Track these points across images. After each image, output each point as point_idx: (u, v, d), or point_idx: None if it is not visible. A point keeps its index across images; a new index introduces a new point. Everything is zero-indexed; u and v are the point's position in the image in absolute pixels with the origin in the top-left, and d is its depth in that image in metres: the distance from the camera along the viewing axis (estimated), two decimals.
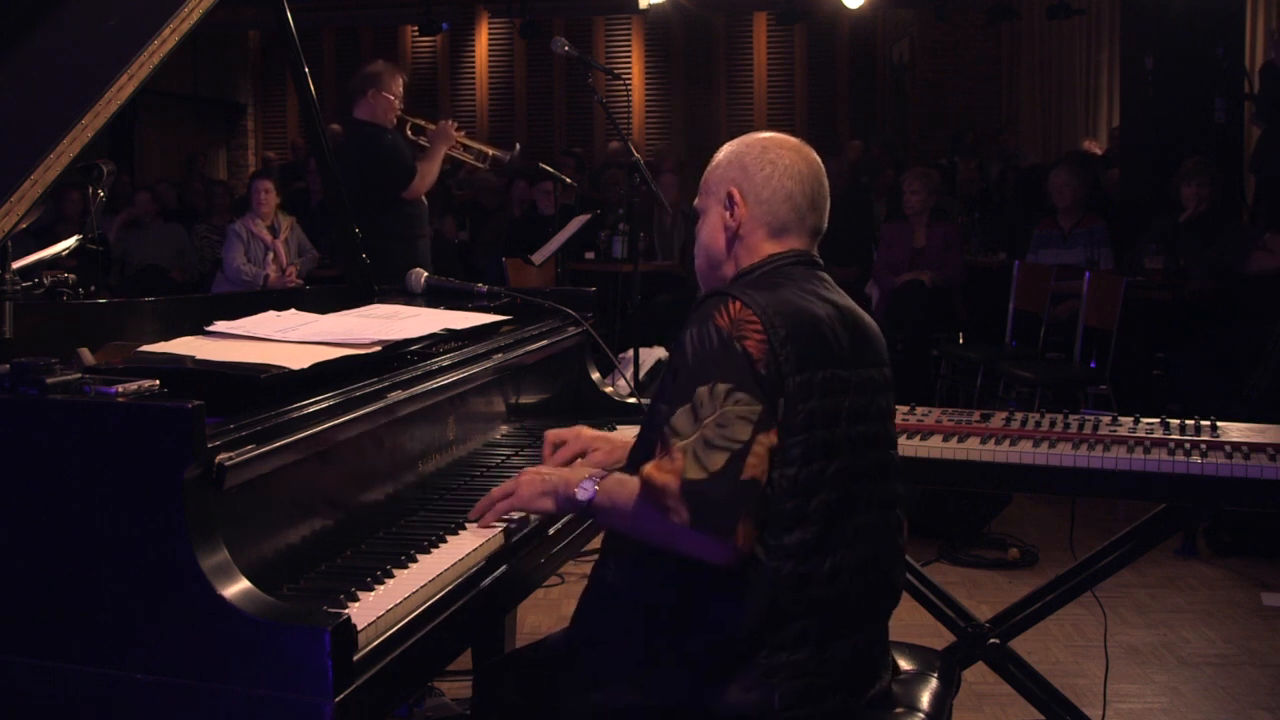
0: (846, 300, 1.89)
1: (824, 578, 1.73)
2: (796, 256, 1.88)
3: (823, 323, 1.79)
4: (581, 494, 1.83)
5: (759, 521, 1.69)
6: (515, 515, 1.97)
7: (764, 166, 1.89)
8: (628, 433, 2.42)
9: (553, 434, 2.21)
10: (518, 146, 5.89)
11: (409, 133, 5.44)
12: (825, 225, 1.94)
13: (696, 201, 1.98)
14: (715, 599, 1.72)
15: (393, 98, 5.22)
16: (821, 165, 1.94)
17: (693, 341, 1.75)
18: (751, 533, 1.68)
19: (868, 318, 1.91)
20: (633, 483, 1.76)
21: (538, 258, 6.53)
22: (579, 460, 2.19)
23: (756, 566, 1.70)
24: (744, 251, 1.90)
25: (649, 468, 1.71)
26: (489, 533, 1.91)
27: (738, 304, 1.74)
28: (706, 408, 1.69)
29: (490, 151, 5.68)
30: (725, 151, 1.95)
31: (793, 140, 1.94)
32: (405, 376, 2.02)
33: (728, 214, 1.90)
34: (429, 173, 5.25)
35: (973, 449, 2.66)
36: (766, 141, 1.92)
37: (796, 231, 1.89)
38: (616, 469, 2.21)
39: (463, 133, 5.43)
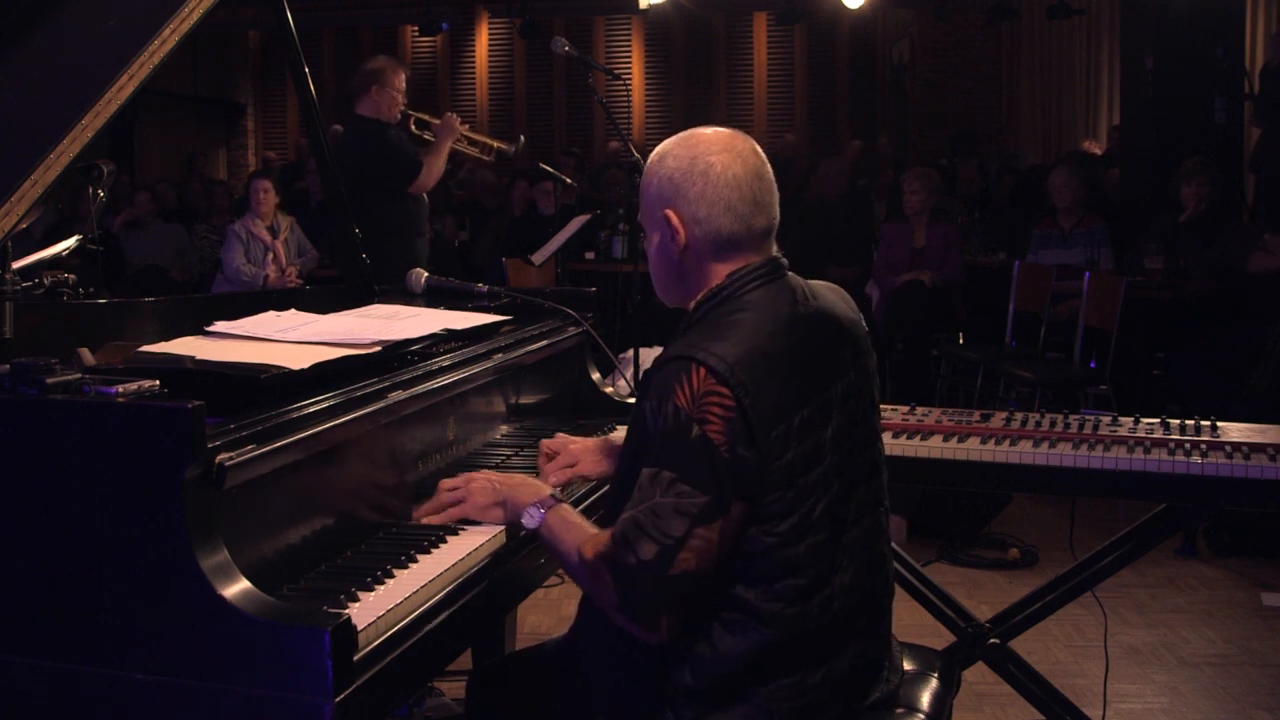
0: (817, 302, 1.78)
1: (818, 609, 1.70)
2: (758, 273, 1.75)
3: (795, 356, 1.69)
4: (528, 520, 1.82)
5: (686, 609, 1.66)
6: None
7: (695, 181, 1.72)
8: (621, 434, 2.42)
9: (545, 444, 2.20)
10: (522, 139, 5.88)
11: (413, 127, 5.44)
12: (777, 217, 1.78)
13: (639, 217, 1.84)
14: (708, 633, 1.69)
15: (396, 94, 5.22)
16: (759, 154, 1.77)
17: (650, 414, 1.64)
18: (677, 622, 1.66)
19: (841, 312, 1.81)
20: (578, 532, 1.74)
21: (538, 258, 6.54)
22: (571, 474, 2.17)
23: (750, 610, 1.67)
24: (698, 275, 1.77)
25: (589, 547, 1.69)
26: (489, 533, 1.91)
27: (702, 372, 1.61)
28: (645, 491, 1.63)
29: (495, 144, 5.68)
30: (654, 164, 1.78)
31: (722, 135, 1.76)
32: (405, 376, 2.02)
33: (669, 240, 1.76)
34: (435, 167, 5.25)
35: (973, 449, 2.66)
36: (695, 147, 1.75)
37: (746, 242, 1.75)
38: (600, 483, 2.20)
39: (466, 126, 5.43)
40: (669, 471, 1.61)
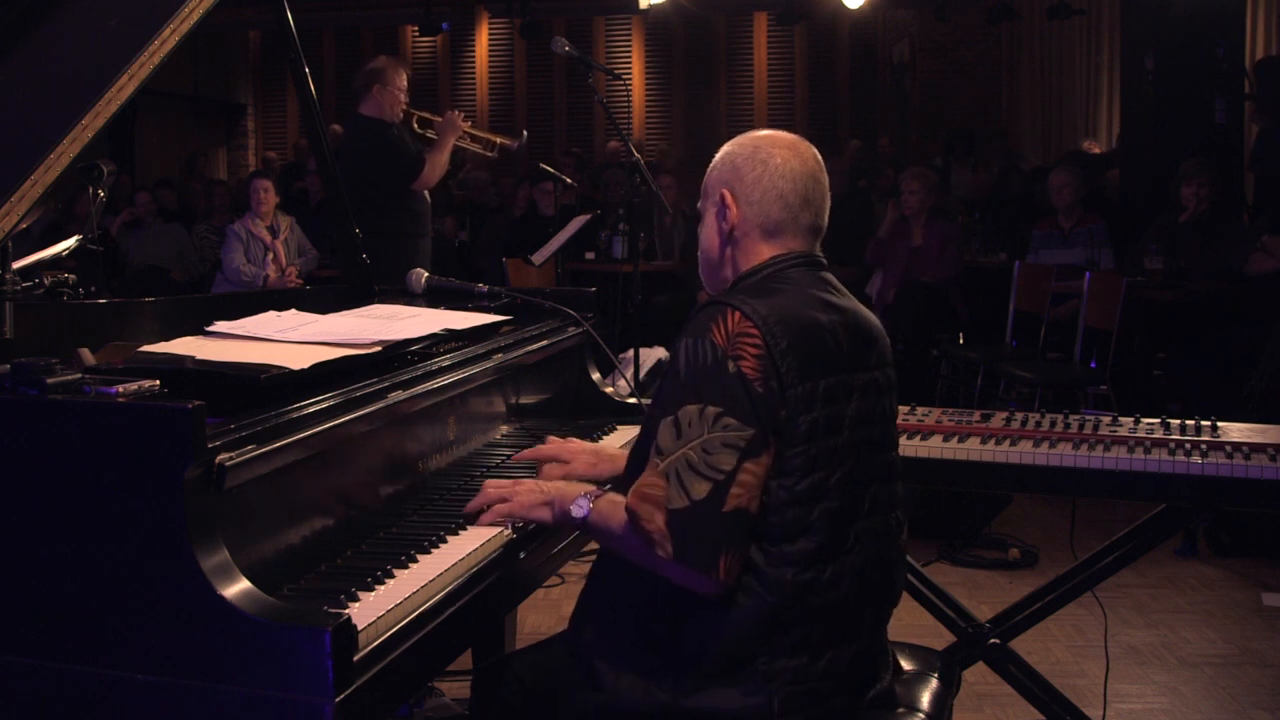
0: (849, 302, 1.87)
1: (825, 584, 1.73)
2: (799, 258, 1.85)
3: (825, 330, 1.76)
4: (577, 511, 1.85)
5: (743, 552, 1.69)
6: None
7: (755, 167, 1.85)
8: (616, 441, 2.44)
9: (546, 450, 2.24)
10: (525, 134, 5.90)
11: (415, 126, 5.44)
12: (825, 222, 1.90)
13: (699, 204, 1.97)
14: (714, 604, 1.71)
15: (398, 92, 5.23)
16: (819, 161, 1.90)
17: (687, 353, 1.72)
18: (736, 566, 1.68)
19: (871, 318, 1.90)
20: (625, 506, 1.76)
21: (538, 258, 6.54)
22: (564, 471, 2.19)
23: (757, 574, 1.70)
24: (741, 254, 1.88)
25: (634, 497, 1.72)
26: (489, 533, 1.91)
27: (736, 315, 1.71)
28: (694, 428, 1.67)
29: (498, 140, 5.69)
30: (722, 152, 1.92)
31: (788, 137, 1.90)
32: (405, 376, 2.02)
33: (721, 217, 1.88)
34: (438, 164, 5.25)
35: (973, 449, 2.66)
36: (760, 140, 1.89)
37: (791, 231, 1.86)
38: (608, 480, 2.22)
39: (469, 123, 5.43)
40: (714, 407, 1.67)
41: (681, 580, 1.69)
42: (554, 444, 2.25)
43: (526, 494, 1.94)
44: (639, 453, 1.85)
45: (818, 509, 1.72)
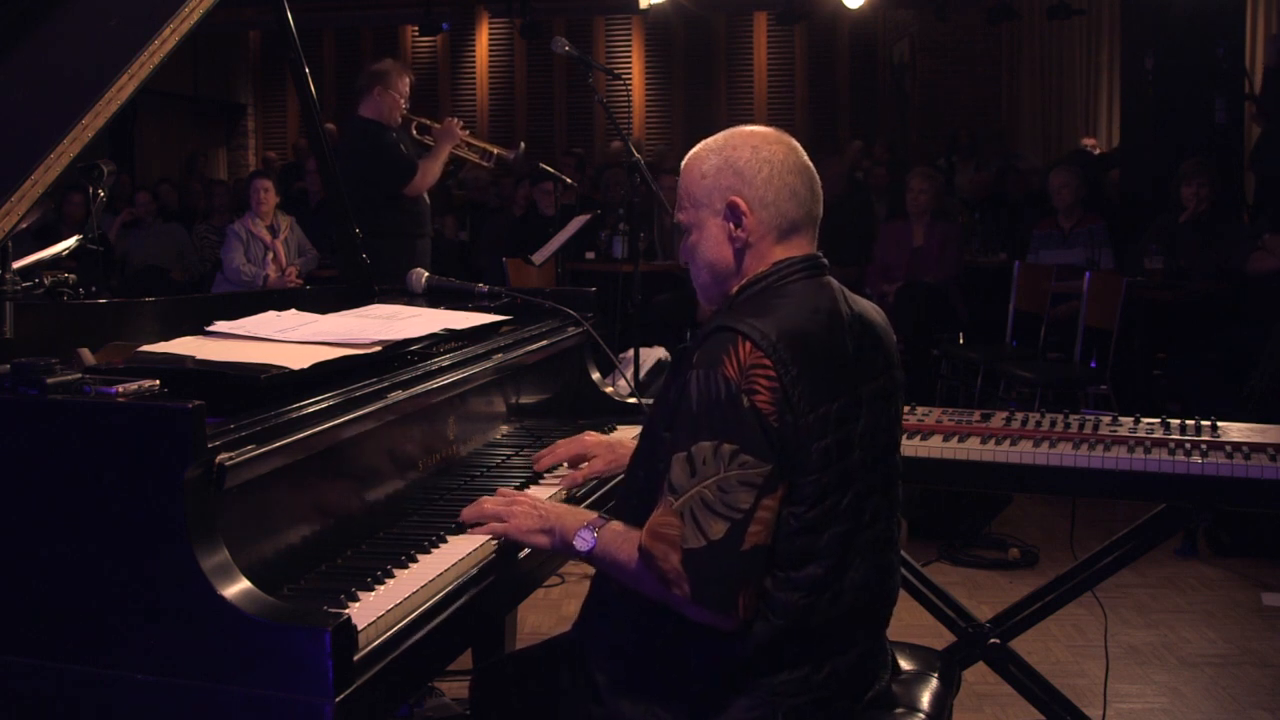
0: (854, 305, 1.82)
1: (827, 603, 1.72)
2: (801, 264, 1.79)
3: (832, 347, 1.72)
4: (580, 544, 1.78)
5: (760, 585, 1.66)
6: None
7: (760, 167, 1.77)
8: (628, 433, 2.43)
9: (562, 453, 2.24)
10: (522, 145, 5.91)
11: (414, 132, 5.46)
12: (822, 210, 1.85)
13: (681, 216, 1.85)
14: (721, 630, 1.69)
15: (399, 96, 5.25)
16: (803, 150, 1.84)
17: (699, 386, 1.66)
18: (753, 600, 1.66)
19: (877, 318, 1.85)
20: (633, 540, 1.71)
21: (538, 258, 6.53)
22: (588, 472, 2.19)
23: (766, 599, 1.68)
24: (753, 260, 1.80)
25: (648, 535, 1.67)
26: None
27: (748, 345, 1.64)
28: (709, 467, 1.62)
29: (495, 150, 5.71)
30: (709, 157, 1.81)
31: (772, 132, 1.83)
32: (405, 376, 2.02)
33: (732, 225, 1.79)
34: (431, 170, 5.26)
35: (973, 449, 2.66)
36: (751, 138, 1.80)
37: (805, 227, 1.80)
38: (615, 482, 2.22)
39: (467, 131, 5.45)
40: (730, 444, 1.62)
41: (699, 619, 1.66)
42: (566, 444, 2.24)
43: (524, 517, 1.86)
44: (639, 461, 1.83)
45: (827, 534, 1.70)
